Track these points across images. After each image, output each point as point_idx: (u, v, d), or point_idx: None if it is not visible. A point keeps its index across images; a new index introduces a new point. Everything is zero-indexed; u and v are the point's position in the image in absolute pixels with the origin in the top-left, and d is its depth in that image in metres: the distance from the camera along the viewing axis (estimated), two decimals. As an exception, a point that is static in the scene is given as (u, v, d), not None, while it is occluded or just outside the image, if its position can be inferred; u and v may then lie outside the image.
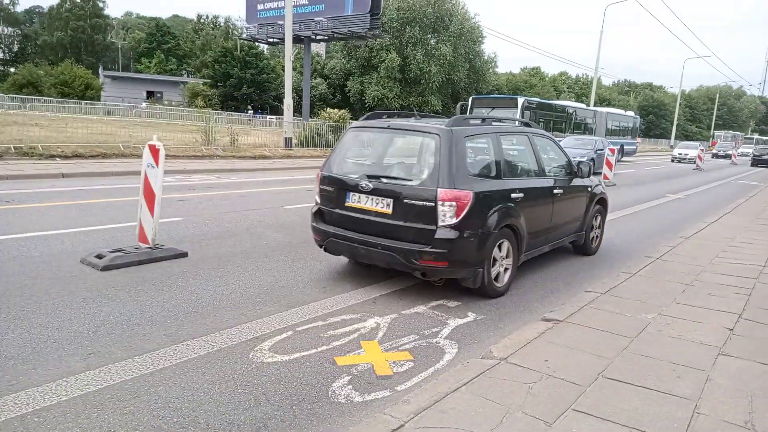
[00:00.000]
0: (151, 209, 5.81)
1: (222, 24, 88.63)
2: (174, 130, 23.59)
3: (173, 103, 62.11)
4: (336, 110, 24.80)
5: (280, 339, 4.09)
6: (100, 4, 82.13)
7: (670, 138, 76.16)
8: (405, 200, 4.94)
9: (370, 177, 5.25)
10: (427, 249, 4.78)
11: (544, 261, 7.09)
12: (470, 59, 61.11)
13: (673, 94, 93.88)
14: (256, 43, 55.15)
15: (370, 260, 5.34)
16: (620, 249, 8.19)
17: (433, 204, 4.78)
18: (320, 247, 5.71)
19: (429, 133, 5.20)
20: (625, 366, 3.71)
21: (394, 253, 4.93)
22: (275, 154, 20.15)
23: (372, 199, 5.15)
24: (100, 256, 5.65)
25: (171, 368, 3.55)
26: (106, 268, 5.43)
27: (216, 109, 47.89)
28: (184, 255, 6.12)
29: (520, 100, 23.31)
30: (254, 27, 40.85)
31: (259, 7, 39.49)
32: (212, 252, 6.45)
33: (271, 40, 42.14)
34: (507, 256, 5.45)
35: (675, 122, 73.61)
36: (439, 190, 4.78)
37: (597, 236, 7.82)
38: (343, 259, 6.42)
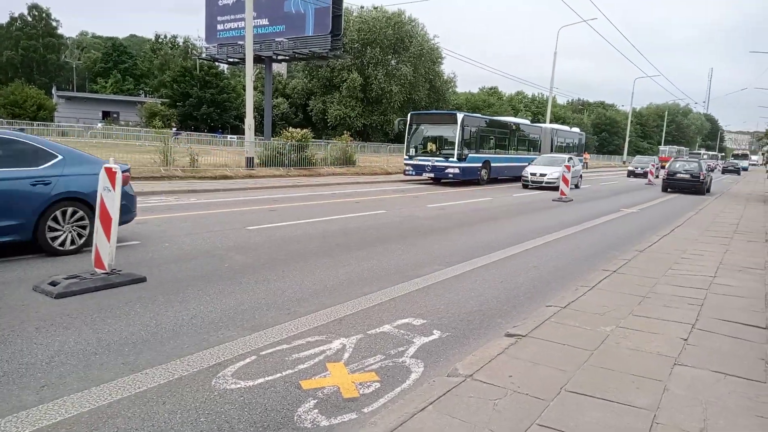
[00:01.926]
0: (108, 233, 5.64)
1: (181, 44, 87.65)
2: (131, 151, 23.08)
3: (130, 123, 60.84)
4: (298, 129, 24.71)
5: (243, 364, 4.01)
6: (54, 23, 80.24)
7: (622, 154, 78.98)
8: (692, 174, 24.70)
9: (685, 170, 25.15)
10: (697, 183, 24.58)
11: (505, 276, 7.21)
12: (430, 79, 62.28)
13: (624, 112, 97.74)
14: (216, 63, 54.75)
15: (682, 190, 24.79)
16: (578, 263, 8.40)
17: (699, 174, 24.67)
18: (665, 188, 25.38)
19: (696, 161, 26.49)
20: (586, 379, 3.79)
21: (692, 184, 24.66)
22: (237, 174, 19.94)
23: (684, 174, 24.89)
24: (54, 283, 5.44)
25: (130, 398, 3.44)
26: (60, 296, 5.23)
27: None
28: (143, 280, 5.97)
29: (459, 116, 22.49)
30: (214, 47, 40.54)
31: (219, 27, 39.28)
32: (172, 276, 6.31)
33: (231, 60, 41.89)
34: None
35: (627, 139, 76.48)
36: (700, 172, 24.70)
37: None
38: (307, 280, 6.39)
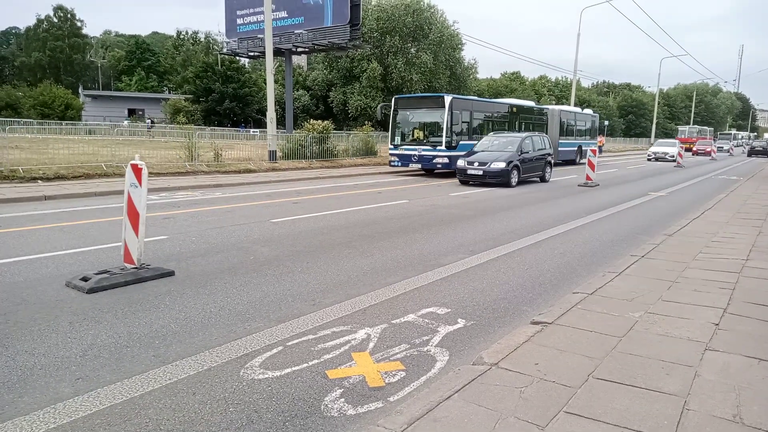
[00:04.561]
0: (136, 229, 5.76)
1: (202, 39, 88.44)
2: (157, 147, 23.48)
3: (155, 120, 61.81)
4: (320, 121, 24.75)
5: (270, 355, 4.07)
6: (78, 24, 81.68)
7: (650, 136, 77.24)
8: (764, 147, 51.44)
9: (761, 146, 52.80)
10: None
11: (530, 264, 7.14)
12: (451, 66, 61.58)
13: (651, 94, 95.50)
14: (237, 58, 55.14)
15: (759, 154, 49.73)
16: (606, 249, 8.27)
17: None
18: (750, 154, 51.55)
19: (766, 141, 59.88)
20: (615, 366, 3.74)
21: (765, 152, 50.72)
22: (260, 168, 20.11)
23: (760, 147, 52.00)
24: (85, 279, 5.59)
25: (161, 390, 3.52)
26: (91, 291, 5.37)
27: (199, 125, 47.79)
28: (171, 274, 6.08)
29: (448, 99, 20.12)
30: (234, 41, 40.81)
31: (239, 21, 39.49)
32: (199, 269, 6.41)
33: (251, 53, 42.12)
34: None
35: (654, 121, 74.70)
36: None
37: None
38: (331, 271, 6.43)
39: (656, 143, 43.03)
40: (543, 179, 19.50)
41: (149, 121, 53.35)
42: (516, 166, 17.35)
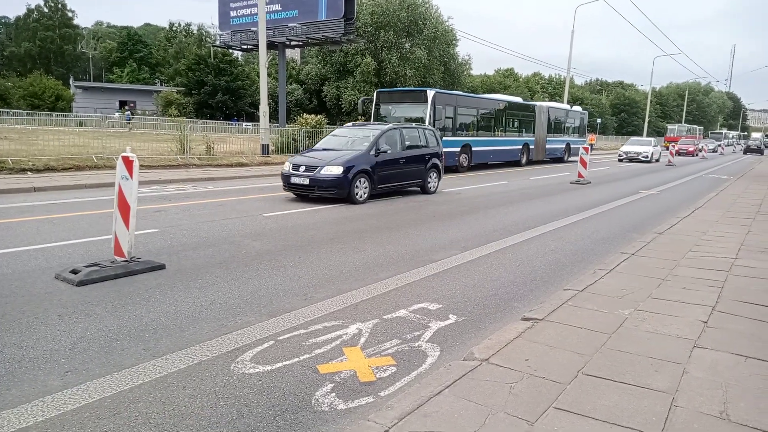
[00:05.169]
0: (126, 222, 5.72)
1: (195, 31, 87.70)
2: (148, 140, 23.31)
3: (147, 112, 61.43)
4: (313, 116, 24.66)
5: (261, 349, 4.06)
6: (69, 14, 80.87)
7: (642, 134, 77.70)
8: (757, 146, 60.32)
9: (755, 144, 60.06)
10: (760, 148, 59.06)
11: (522, 260, 7.17)
12: (445, 62, 61.55)
13: (644, 92, 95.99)
14: (230, 50, 54.88)
15: (752, 152, 57.35)
16: (597, 246, 8.32)
17: (761, 145, 61.67)
18: (745, 152, 58.79)
19: (759, 140, 67.01)
20: (604, 362, 3.77)
21: (758, 150, 58.16)
22: (252, 162, 20.02)
23: (753, 146, 59.35)
24: (75, 271, 5.55)
25: (151, 383, 3.50)
26: (81, 283, 5.33)
27: (191, 117, 47.52)
28: (162, 267, 6.05)
29: (430, 93, 19.58)
30: (227, 34, 40.60)
31: (232, 14, 39.27)
32: (190, 263, 6.38)
33: (245, 46, 41.93)
34: None
35: (647, 119, 75.11)
36: (761, 145, 60.58)
37: None
38: (323, 266, 6.42)
39: (629, 141, 37.64)
40: (424, 190, 13.95)
41: (128, 113, 53.12)
42: (365, 171, 11.86)
